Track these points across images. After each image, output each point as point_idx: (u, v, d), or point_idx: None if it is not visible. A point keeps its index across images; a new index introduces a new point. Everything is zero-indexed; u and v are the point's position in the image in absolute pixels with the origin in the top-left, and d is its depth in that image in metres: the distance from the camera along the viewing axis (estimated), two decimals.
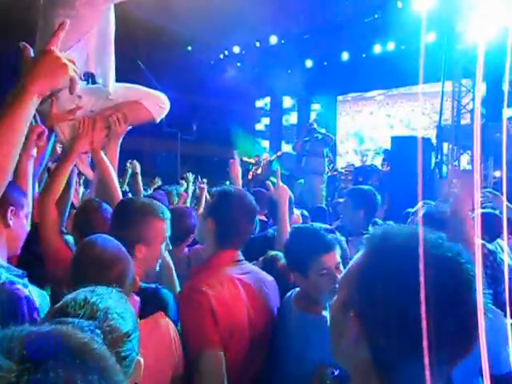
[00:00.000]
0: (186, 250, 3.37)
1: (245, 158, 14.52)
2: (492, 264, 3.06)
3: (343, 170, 13.38)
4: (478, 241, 1.53)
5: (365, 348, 0.92)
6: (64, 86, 1.50)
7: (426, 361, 0.85)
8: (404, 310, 0.86)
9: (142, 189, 5.69)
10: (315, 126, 10.32)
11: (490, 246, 3.27)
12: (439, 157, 10.83)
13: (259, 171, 14.63)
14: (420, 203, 3.69)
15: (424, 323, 0.84)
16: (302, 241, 2.30)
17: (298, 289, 2.38)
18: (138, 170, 5.66)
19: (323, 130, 10.18)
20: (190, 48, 15.96)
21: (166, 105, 3.47)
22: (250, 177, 14.52)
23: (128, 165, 5.77)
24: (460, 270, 0.89)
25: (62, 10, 2.81)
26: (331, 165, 13.36)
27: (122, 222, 2.22)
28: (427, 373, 0.86)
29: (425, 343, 0.84)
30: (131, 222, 2.20)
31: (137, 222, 2.20)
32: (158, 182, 8.45)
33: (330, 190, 11.94)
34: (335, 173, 13.13)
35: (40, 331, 0.63)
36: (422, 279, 0.85)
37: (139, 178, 5.66)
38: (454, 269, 0.89)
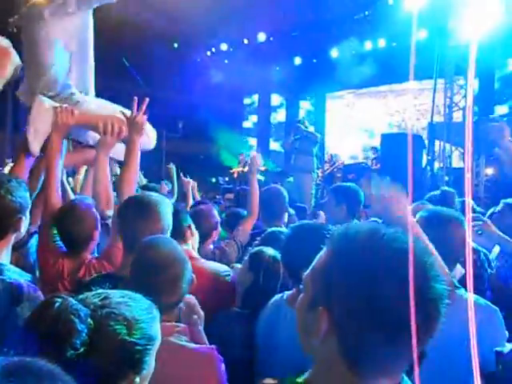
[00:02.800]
0: (211, 246, 3.55)
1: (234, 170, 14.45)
2: (475, 262, 3.17)
3: (335, 168, 13.29)
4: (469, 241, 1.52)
5: (334, 340, 0.97)
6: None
7: (394, 348, 0.93)
8: (369, 301, 0.92)
9: None
10: (306, 123, 10.23)
11: (474, 244, 3.33)
12: (430, 154, 10.76)
13: (246, 169, 14.47)
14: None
15: (389, 312, 0.91)
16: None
17: (289, 292, 2.28)
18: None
19: (312, 128, 10.12)
20: (176, 45, 15.78)
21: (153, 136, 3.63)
22: (235, 175, 14.40)
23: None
24: (417, 260, 0.94)
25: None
26: (327, 164, 13.29)
27: None
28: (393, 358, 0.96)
29: (391, 330, 0.92)
30: None
31: None
32: (143, 180, 8.30)
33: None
34: (328, 170, 13.06)
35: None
36: (382, 270, 0.93)
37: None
38: (409, 261, 0.93)
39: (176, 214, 2.62)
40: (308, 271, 1.07)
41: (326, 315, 0.97)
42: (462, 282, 2.15)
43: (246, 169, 14.05)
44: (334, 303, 0.97)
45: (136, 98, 3.15)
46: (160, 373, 1.52)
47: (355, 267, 0.95)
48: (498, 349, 1.90)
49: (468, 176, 1.65)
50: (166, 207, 2.37)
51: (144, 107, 3.14)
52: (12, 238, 2.11)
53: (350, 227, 1.04)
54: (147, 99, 3.18)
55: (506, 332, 2.19)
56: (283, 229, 3.33)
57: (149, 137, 3.50)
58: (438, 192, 4.59)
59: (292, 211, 5.42)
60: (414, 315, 0.89)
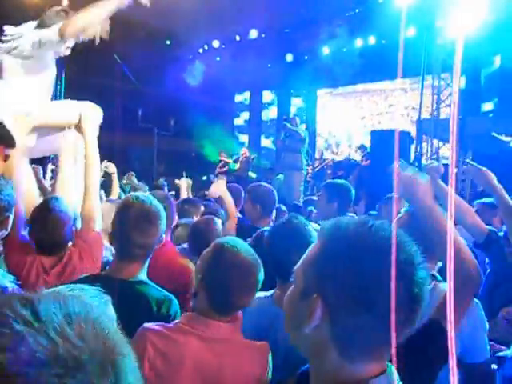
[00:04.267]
0: None
1: (223, 158, 14.46)
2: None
3: (324, 165, 13.37)
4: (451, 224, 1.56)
5: (327, 326, 1.03)
6: None
7: (383, 331, 0.98)
8: (359, 286, 0.99)
9: (118, 189, 5.66)
10: (297, 121, 10.33)
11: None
12: (418, 150, 10.88)
13: (237, 167, 14.53)
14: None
15: (380, 297, 0.97)
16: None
17: (269, 292, 2.31)
18: (114, 170, 5.64)
19: (304, 126, 10.19)
20: (168, 42, 15.78)
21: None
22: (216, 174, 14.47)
23: (102, 167, 5.72)
24: (402, 248, 1.03)
25: None
26: (317, 161, 13.36)
27: None
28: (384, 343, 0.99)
29: (380, 314, 0.98)
30: None
31: None
32: (135, 181, 8.35)
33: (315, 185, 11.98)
34: (318, 167, 13.14)
35: None
36: (370, 256, 1.01)
37: (115, 177, 5.63)
38: (395, 247, 1.00)
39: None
40: (299, 263, 1.13)
41: (320, 302, 1.02)
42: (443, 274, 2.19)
43: (238, 166, 14.14)
44: (326, 290, 1.02)
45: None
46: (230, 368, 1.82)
47: (345, 254, 1.02)
48: (500, 354, 1.94)
49: (452, 170, 1.62)
50: (164, 217, 2.40)
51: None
52: None
53: (340, 220, 1.11)
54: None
55: (487, 323, 2.26)
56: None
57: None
58: None
59: (283, 207, 5.45)
60: (398, 298, 0.95)
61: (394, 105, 15.25)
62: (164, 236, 2.48)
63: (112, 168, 5.60)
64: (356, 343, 1.02)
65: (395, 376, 1.07)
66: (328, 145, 16.47)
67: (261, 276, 1.96)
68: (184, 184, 5.86)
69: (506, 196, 2.96)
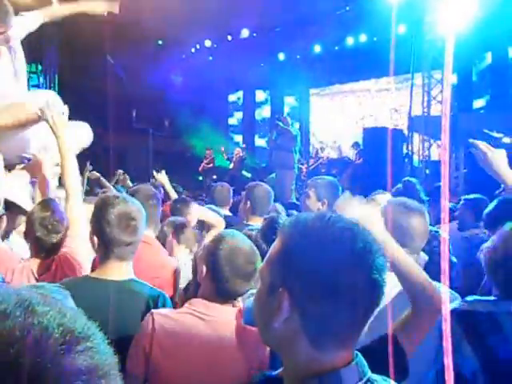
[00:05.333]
0: None
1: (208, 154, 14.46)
2: (436, 249, 3.00)
3: (319, 164, 13.40)
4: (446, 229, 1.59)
5: (296, 318, 1.06)
6: None
7: (349, 318, 1.04)
8: (321, 275, 1.03)
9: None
10: (288, 120, 10.36)
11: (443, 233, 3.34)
12: (410, 147, 10.93)
13: (231, 166, 14.56)
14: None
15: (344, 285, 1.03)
16: None
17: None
18: (97, 175, 5.70)
19: (297, 125, 10.21)
20: (160, 42, 15.75)
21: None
22: (200, 169, 14.51)
23: (87, 174, 5.72)
24: (359, 237, 1.08)
25: None
26: (312, 160, 13.38)
27: None
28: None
29: (344, 300, 1.03)
30: None
31: None
32: (129, 183, 8.36)
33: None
34: (313, 165, 13.18)
35: None
36: (330, 245, 1.06)
37: (104, 182, 5.67)
38: (353, 236, 1.07)
39: None
40: (263, 262, 1.19)
41: (286, 294, 1.06)
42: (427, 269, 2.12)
43: (232, 166, 14.14)
44: (291, 282, 1.06)
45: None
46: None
47: (305, 247, 1.07)
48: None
49: (445, 172, 1.70)
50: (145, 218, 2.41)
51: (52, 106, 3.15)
52: None
53: (298, 216, 1.18)
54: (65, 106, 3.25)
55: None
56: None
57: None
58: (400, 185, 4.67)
59: (279, 206, 5.45)
60: (359, 285, 1.03)
61: (385, 103, 15.30)
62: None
63: (94, 174, 5.62)
64: (326, 331, 1.06)
65: (364, 363, 1.10)
66: (322, 143, 16.51)
67: (258, 264, 2.04)
68: (165, 179, 5.77)
69: None
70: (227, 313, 2.07)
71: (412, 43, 10.92)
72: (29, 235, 2.71)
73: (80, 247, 2.73)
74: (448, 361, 0.90)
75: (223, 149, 15.07)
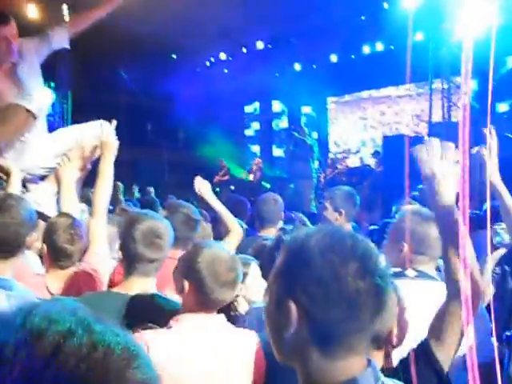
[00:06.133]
0: None
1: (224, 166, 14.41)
2: None
3: (337, 173, 13.27)
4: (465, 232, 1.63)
5: (305, 329, 1.08)
6: None
7: (357, 323, 1.07)
8: (326, 283, 1.06)
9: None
10: (304, 130, 10.32)
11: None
12: None
13: (251, 177, 14.45)
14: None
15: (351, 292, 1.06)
16: None
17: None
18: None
19: (315, 134, 10.15)
20: (174, 56, 15.79)
21: None
22: (215, 181, 14.44)
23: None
24: (357, 244, 1.11)
25: None
26: (329, 169, 13.29)
27: None
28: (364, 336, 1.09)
29: (350, 307, 1.06)
30: None
31: None
32: (136, 194, 8.43)
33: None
34: (331, 175, 13.05)
35: None
36: (332, 253, 1.08)
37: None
38: (353, 244, 1.11)
39: None
40: (270, 276, 1.21)
41: (294, 305, 1.08)
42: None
43: (252, 177, 14.07)
44: (297, 293, 1.09)
45: (114, 121, 3.37)
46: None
47: (307, 256, 1.10)
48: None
49: (465, 177, 1.64)
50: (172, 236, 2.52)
51: (112, 128, 3.33)
52: (21, 255, 2.25)
53: (298, 232, 1.22)
54: (115, 121, 3.36)
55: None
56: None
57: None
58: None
59: (302, 216, 5.40)
60: (363, 291, 1.06)
61: (404, 110, 15.12)
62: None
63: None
64: (335, 339, 1.08)
65: (377, 366, 1.13)
66: (343, 152, 16.35)
67: (240, 271, 2.11)
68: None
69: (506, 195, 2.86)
70: (216, 320, 2.09)
71: (430, 50, 10.78)
72: (49, 243, 2.73)
73: (99, 264, 2.79)
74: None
75: (245, 175, 14.92)
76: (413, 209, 2.69)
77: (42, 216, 3.18)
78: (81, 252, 2.79)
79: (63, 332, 0.60)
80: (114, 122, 3.40)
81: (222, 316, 2.13)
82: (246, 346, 2.10)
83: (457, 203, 1.68)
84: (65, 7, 10.89)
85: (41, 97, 3.38)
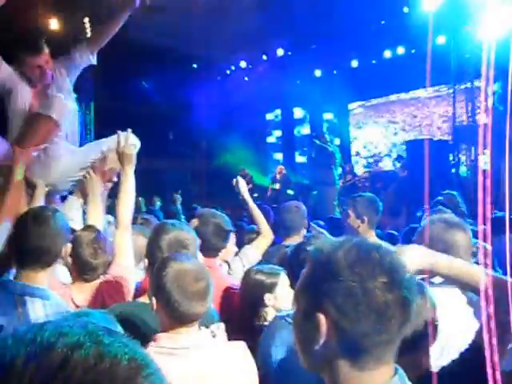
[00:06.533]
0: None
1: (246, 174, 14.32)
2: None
3: (356, 180, 13.16)
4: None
5: (334, 341, 1.10)
6: None
7: (385, 335, 1.09)
8: (355, 296, 1.08)
9: None
10: (325, 137, 10.30)
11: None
12: (456, 158, 10.61)
13: (277, 186, 14.37)
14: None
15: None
16: None
17: (285, 313, 2.29)
18: None
19: (337, 141, 10.12)
20: (195, 66, 15.89)
21: None
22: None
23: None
24: (384, 256, 1.12)
25: None
26: (349, 175, 13.20)
27: None
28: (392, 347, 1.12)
29: (380, 319, 1.07)
30: None
31: None
32: (158, 201, 8.53)
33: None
34: (350, 181, 12.94)
35: None
36: (360, 267, 1.10)
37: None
38: (380, 257, 1.12)
39: None
40: (297, 287, 1.23)
41: (323, 318, 1.10)
42: None
43: (278, 186, 14.03)
44: (327, 305, 1.11)
45: (129, 130, 3.38)
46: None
47: (335, 269, 1.11)
48: None
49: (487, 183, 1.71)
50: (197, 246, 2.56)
51: (128, 139, 3.34)
52: (56, 265, 2.31)
53: (324, 242, 1.22)
54: (130, 130, 3.40)
55: None
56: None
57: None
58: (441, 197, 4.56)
59: (321, 222, 5.37)
60: (390, 302, 1.08)
61: (428, 113, 14.95)
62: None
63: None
64: (363, 350, 1.09)
65: (404, 375, 1.15)
66: (372, 156, 16.20)
67: (210, 281, 2.01)
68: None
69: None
70: (197, 335, 1.99)
71: (452, 52, 10.66)
72: (74, 256, 2.76)
73: (125, 275, 2.80)
74: None
75: (271, 187, 14.87)
76: (437, 217, 2.65)
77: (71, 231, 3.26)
78: (105, 265, 2.81)
79: (71, 344, 0.62)
80: (129, 131, 3.41)
81: (201, 332, 2.03)
82: (229, 360, 2.01)
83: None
84: (86, 19, 11.08)
85: (63, 108, 3.43)
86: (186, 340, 1.94)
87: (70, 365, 0.60)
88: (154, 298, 1.99)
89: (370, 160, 15.99)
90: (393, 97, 15.68)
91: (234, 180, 4.13)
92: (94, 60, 3.74)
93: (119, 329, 1.39)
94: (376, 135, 16.31)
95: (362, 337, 1.09)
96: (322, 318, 1.11)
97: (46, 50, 3.47)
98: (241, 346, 2.10)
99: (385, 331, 1.09)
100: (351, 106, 16.76)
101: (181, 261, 2.02)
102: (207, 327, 2.11)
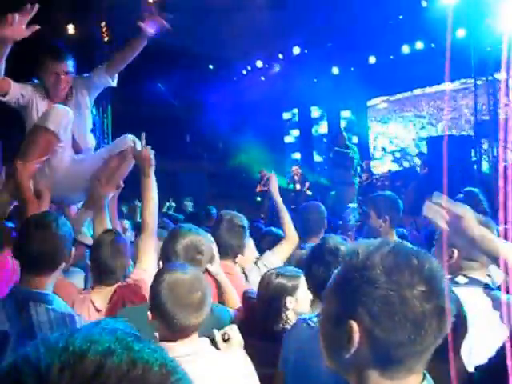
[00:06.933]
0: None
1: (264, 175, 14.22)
2: None
3: (377, 177, 13.00)
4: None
5: (366, 348, 1.06)
6: None
7: (418, 345, 1.05)
8: (392, 306, 1.04)
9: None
10: (344, 136, 10.21)
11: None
12: (478, 154, 10.41)
13: (298, 187, 14.24)
14: None
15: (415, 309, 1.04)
16: None
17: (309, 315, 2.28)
18: None
19: (355, 139, 10.02)
20: (211, 67, 15.88)
21: None
22: (258, 190, 14.29)
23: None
24: (423, 264, 1.08)
25: None
26: (365, 174, 13.05)
27: None
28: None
29: (414, 329, 1.04)
30: None
31: None
32: (172, 204, 8.62)
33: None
34: (368, 180, 12.79)
35: None
36: (399, 276, 1.06)
37: None
38: (419, 264, 1.07)
39: None
40: (327, 291, 1.18)
41: (356, 326, 1.07)
42: None
43: (298, 187, 13.92)
44: (361, 314, 1.07)
45: (143, 133, 3.39)
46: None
47: (371, 276, 1.07)
48: None
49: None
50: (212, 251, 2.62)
51: (143, 142, 3.37)
52: (60, 269, 2.34)
53: (359, 244, 1.16)
54: (144, 134, 3.40)
55: None
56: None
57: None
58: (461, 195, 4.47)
59: (340, 222, 5.32)
60: (427, 310, 1.04)
61: (448, 109, 14.69)
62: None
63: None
64: (396, 360, 1.06)
65: (432, 381, 1.12)
66: (399, 150, 15.96)
67: (206, 291, 1.99)
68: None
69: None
70: (191, 346, 1.95)
71: (472, 46, 10.45)
72: (95, 260, 2.82)
73: (146, 280, 2.77)
74: None
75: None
76: None
77: (81, 244, 3.33)
78: (124, 268, 2.83)
79: (103, 351, 0.63)
80: (143, 135, 3.38)
81: (200, 340, 2.02)
82: (229, 366, 2.00)
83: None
84: (103, 24, 11.12)
85: (60, 117, 3.41)
86: (184, 348, 1.92)
87: (104, 372, 0.61)
88: (148, 312, 2.00)
89: (397, 155, 15.69)
90: (418, 91, 15.32)
91: (266, 176, 4.11)
92: (113, 82, 3.77)
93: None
94: (402, 130, 16.03)
95: (397, 347, 1.06)
96: (354, 325, 1.07)
97: (69, 62, 3.49)
98: (240, 352, 2.08)
99: (420, 342, 1.05)
100: (374, 101, 16.48)
101: (175, 271, 2.01)
102: (218, 330, 2.12)
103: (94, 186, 3.46)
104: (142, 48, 3.65)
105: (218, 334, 2.11)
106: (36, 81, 3.59)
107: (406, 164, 14.82)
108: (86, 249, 3.41)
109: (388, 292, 1.05)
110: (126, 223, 5.24)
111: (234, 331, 2.17)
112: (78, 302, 2.69)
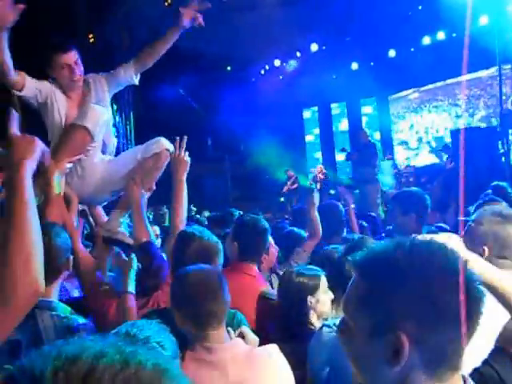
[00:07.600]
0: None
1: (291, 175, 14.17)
2: None
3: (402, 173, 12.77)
4: None
5: (414, 356, 0.99)
6: None
7: (459, 343, 0.99)
8: (437, 308, 0.98)
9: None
10: (366, 132, 10.03)
11: None
12: (505, 146, 10.08)
13: (318, 186, 14.15)
14: None
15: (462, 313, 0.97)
16: None
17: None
18: None
19: (377, 135, 9.89)
20: (229, 68, 15.83)
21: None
22: (285, 190, 14.20)
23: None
24: (449, 257, 1.02)
25: None
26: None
27: None
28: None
29: (457, 328, 0.98)
30: None
31: None
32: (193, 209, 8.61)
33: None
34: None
35: None
36: (436, 278, 0.99)
37: None
38: (446, 258, 1.02)
39: None
40: (348, 303, 1.08)
41: (404, 336, 0.98)
42: None
43: (319, 186, 13.79)
44: (403, 322, 0.99)
45: (178, 137, 3.40)
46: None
47: (404, 280, 1.00)
48: None
49: None
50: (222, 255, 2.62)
51: (184, 144, 3.37)
52: (62, 277, 2.41)
53: (373, 248, 1.09)
54: (185, 137, 3.42)
55: None
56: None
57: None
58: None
59: (365, 223, 5.23)
60: (466, 309, 0.98)
61: (473, 99, 14.33)
62: None
63: None
64: (444, 360, 1.01)
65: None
66: (434, 140, 15.63)
67: (224, 283, 2.00)
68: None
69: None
70: (218, 337, 1.96)
71: (496, 34, 10.14)
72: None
73: None
74: None
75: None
76: (492, 208, 2.45)
77: (119, 244, 3.30)
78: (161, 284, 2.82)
79: (96, 354, 0.64)
80: (178, 139, 3.40)
81: (235, 341, 2.02)
82: (267, 366, 1.96)
83: None
84: (125, 34, 11.15)
85: (97, 117, 3.37)
86: (222, 352, 1.92)
87: (98, 372, 0.62)
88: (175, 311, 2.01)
89: (433, 144, 15.34)
90: (450, 80, 14.93)
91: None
92: (136, 80, 3.68)
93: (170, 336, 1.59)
94: (437, 120, 15.66)
95: (445, 346, 1.00)
96: (403, 337, 0.98)
97: (74, 51, 3.40)
98: (274, 349, 2.04)
99: (461, 339, 1.00)
100: (405, 92, 16.18)
101: (189, 270, 2.05)
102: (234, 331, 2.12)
103: (130, 186, 3.37)
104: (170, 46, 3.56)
105: (233, 333, 2.09)
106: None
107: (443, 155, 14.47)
108: (113, 247, 3.31)
109: (428, 293, 0.99)
110: (156, 229, 5.30)
111: (247, 329, 2.16)
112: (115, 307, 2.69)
